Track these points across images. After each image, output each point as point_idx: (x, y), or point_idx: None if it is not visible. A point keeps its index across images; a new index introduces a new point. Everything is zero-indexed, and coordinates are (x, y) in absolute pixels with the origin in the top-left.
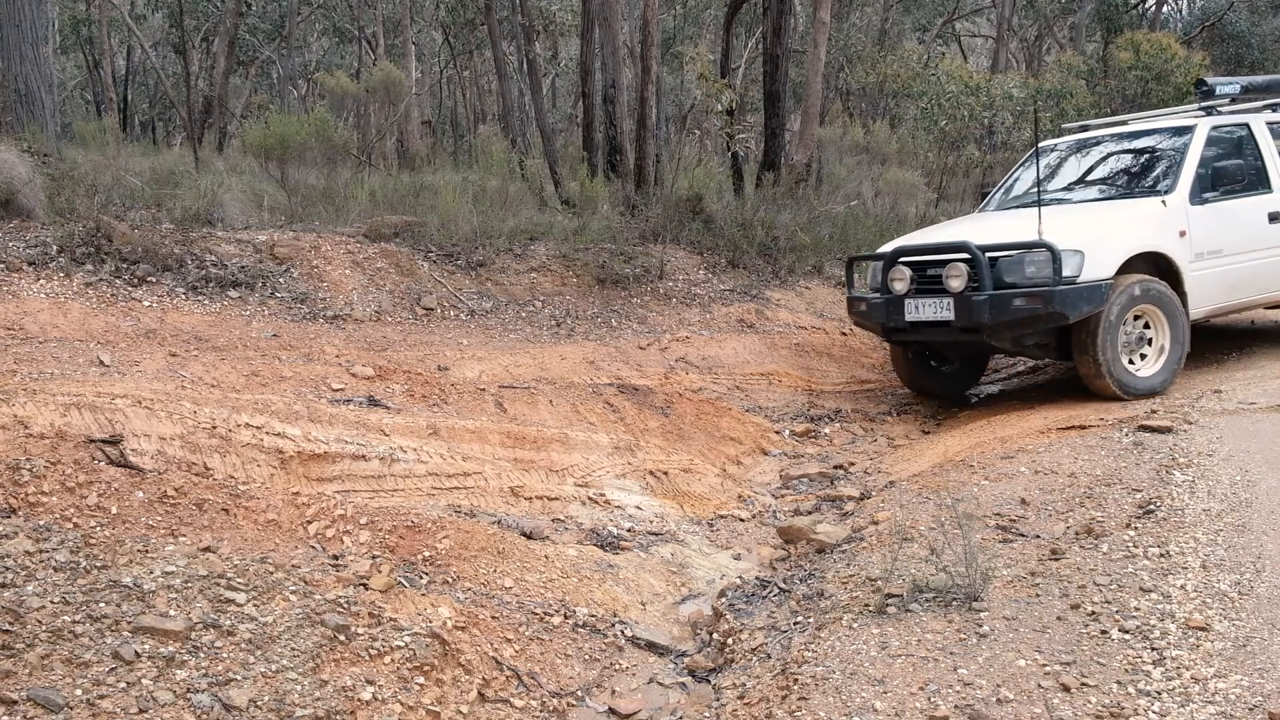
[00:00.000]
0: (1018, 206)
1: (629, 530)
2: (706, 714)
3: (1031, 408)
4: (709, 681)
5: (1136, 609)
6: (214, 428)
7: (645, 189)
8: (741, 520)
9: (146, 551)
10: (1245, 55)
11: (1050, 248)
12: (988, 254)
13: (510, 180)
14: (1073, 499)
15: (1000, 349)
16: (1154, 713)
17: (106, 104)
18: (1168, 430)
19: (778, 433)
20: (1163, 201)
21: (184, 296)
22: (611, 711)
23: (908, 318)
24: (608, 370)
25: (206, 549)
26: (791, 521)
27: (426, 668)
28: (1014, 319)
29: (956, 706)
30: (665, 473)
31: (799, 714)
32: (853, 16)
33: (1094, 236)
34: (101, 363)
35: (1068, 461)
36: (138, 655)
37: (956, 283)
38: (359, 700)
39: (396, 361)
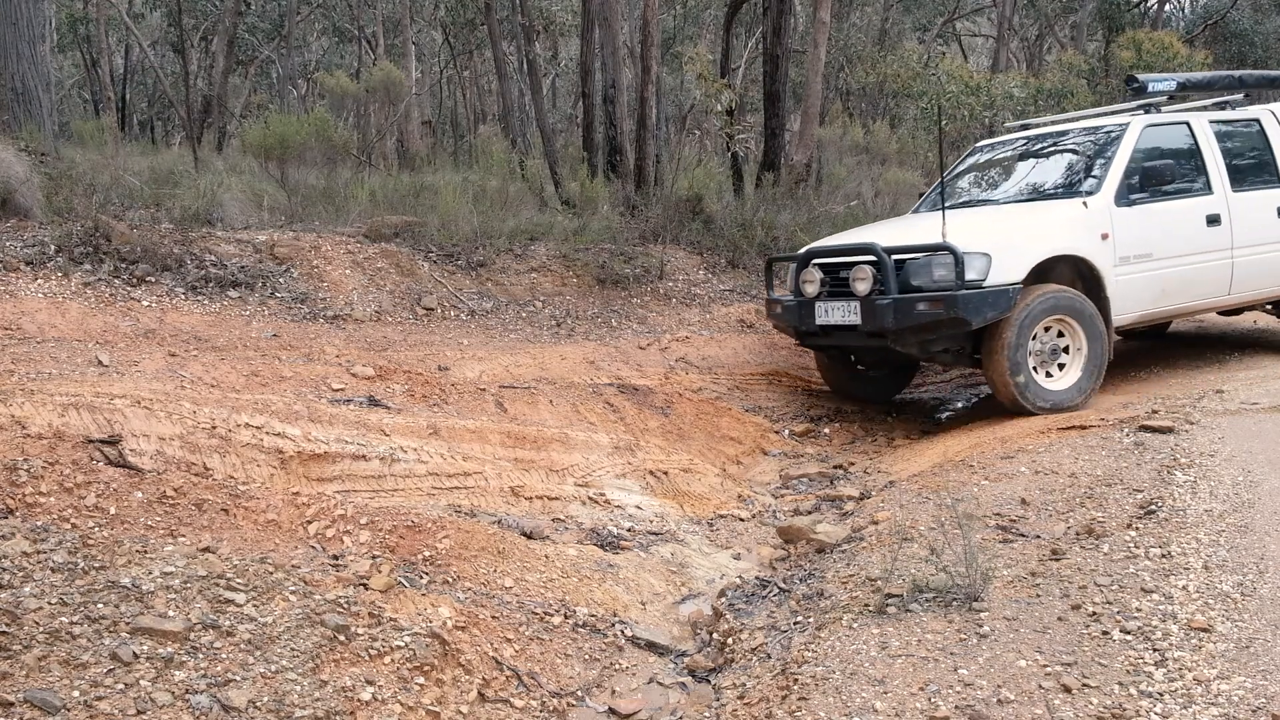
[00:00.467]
0: (950, 207)
1: (629, 530)
2: (706, 714)
3: None
4: (709, 681)
5: (1138, 610)
6: (213, 428)
7: (645, 189)
8: (741, 520)
9: (145, 552)
10: (1248, 54)
11: (952, 250)
12: (893, 256)
13: (510, 180)
14: (1073, 499)
15: (910, 355)
16: (1156, 714)
17: (104, 103)
18: (1169, 430)
19: (778, 433)
20: (1084, 203)
21: (183, 296)
22: (611, 711)
23: (818, 321)
24: (608, 370)
25: (206, 549)
26: (791, 521)
27: (426, 668)
28: (917, 324)
29: (957, 707)
30: (665, 472)
31: (799, 714)
32: (853, 16)
33: (1003, 239)
34: (100, 363)
35: (1068, 461)
36: (136, 656)
37: (862, 285)
38: (359, 700)
39: (397, 361)
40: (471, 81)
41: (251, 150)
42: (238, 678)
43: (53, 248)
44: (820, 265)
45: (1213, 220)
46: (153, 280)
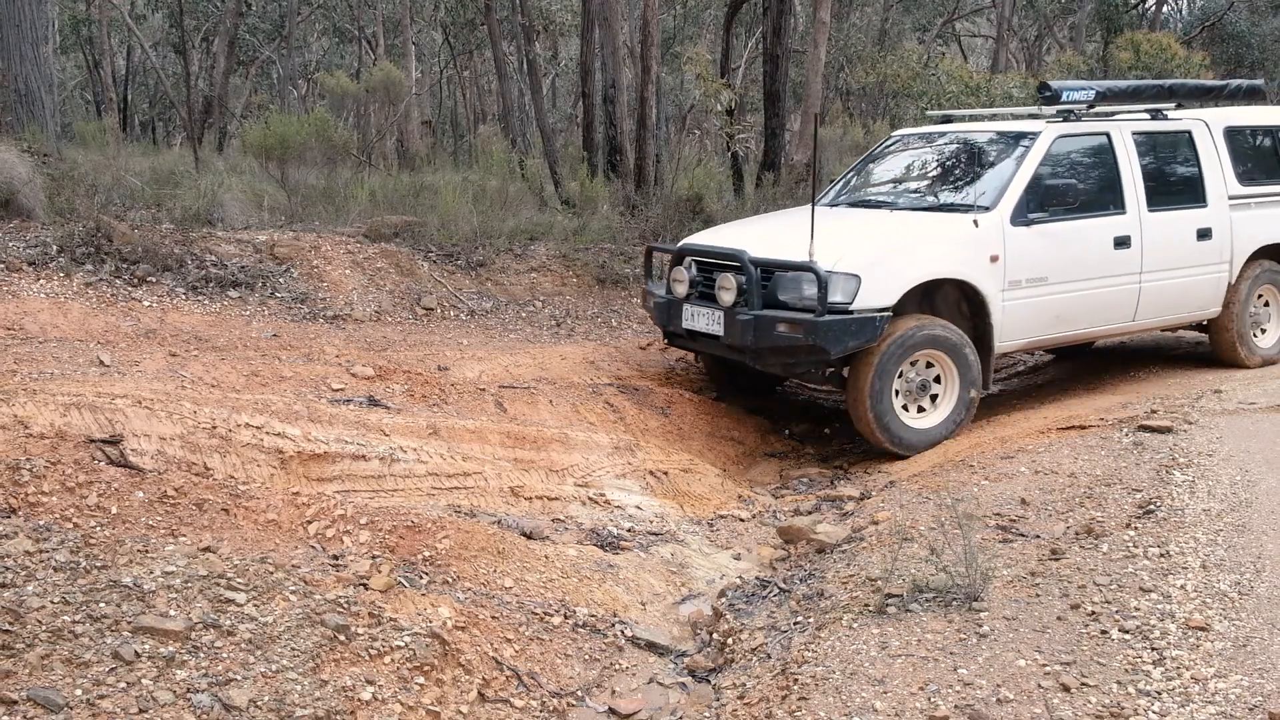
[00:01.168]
0: (839, 205)
1: (629, 530)
2: (706, 714)
3: (1031, 408)
4: (709, 681)
5: (1136, 609)
6: (214, 428)
7: (645, 189)
8: (741, 520)
9: (146, 551)
10: (1245, 55)
11: (815, 270)
12: (760, 268)
13: (510, 180)
14: (1073, 499)
15: (775, 375)
16: (1154, 713)
17: (106, 104)
18: (1168, 430)
19: (778, 433)
20: (975, 221)
21: (184, 296)
22: (611, 711)
23: (685, 325)
24: (608, 370)
25: (206, 549)
26: (791, 521)
27: (426, 668)
28: (776, 346)
29: (956, 706)
30: (665, 473)
31: (799, 714)
32: (853, 16)
33: (877, 258)
34: (101, 363)
35: (1068, 461)
36: (138, 655)
37: (727, 295)
38: (359, 700)
39: (396, 361)
40: (471, 81)
41: (252, 150)
42: (238, 677)
43: (55, 248)
44: (696, 263)
45: (1121, 242)
46: (154, 280)
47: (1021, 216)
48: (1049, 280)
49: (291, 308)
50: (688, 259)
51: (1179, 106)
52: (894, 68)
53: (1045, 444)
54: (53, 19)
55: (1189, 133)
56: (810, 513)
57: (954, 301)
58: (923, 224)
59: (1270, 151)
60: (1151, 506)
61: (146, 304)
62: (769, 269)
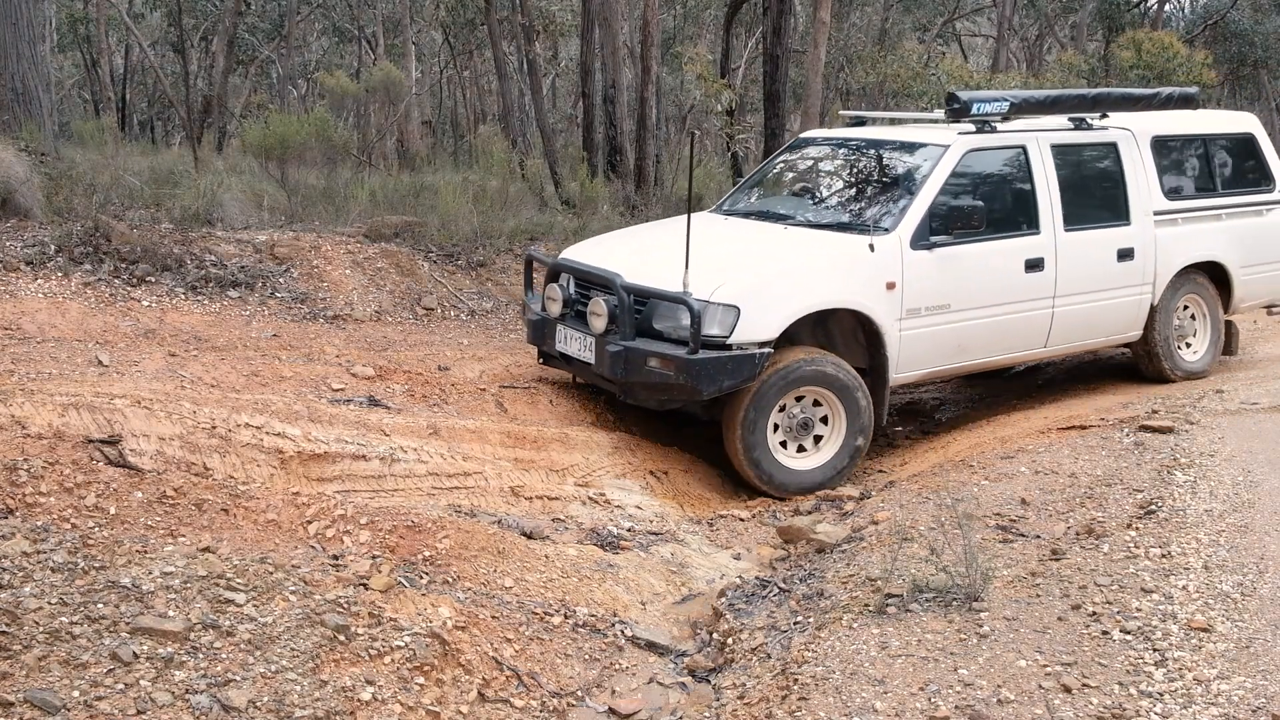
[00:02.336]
0: (736, 214)
1: (629, 530)
2: (706, 714)
3: (1031, 408)
4: (709, 681)
5: (1138, 610)
6: (213, 428)
7: (645, 189)
8: (741, 520)
9: (145, 552)
10: (1248, 54)
11: (689, 304)
12: (632, 295)
13: (510, 180)
14: (1073, 499)
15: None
16: (1156, 714)
17: (104, 103)
18: (1169, 430)
19: None
20: (870, 245)
21: (183, 296)
22: (611, 711)
23: (558, 347)
24: None
25: (206, 549)
26: (791, 521)
27: (426, 668)
28: (648, 381)
29: (957, 707)
30: (665, 472)
31: (799, 714)
32: (853, 16)
33: (760, 285)
34: (100, 363)
35: (1068, 461)
36: (136, 656)
37: (598, 322)
38: (359, 700)
39: (397, 361)
40: (471, 81)
41: (251, 150)
42: (238, 678)
43: (53, 248)
44: (574, 279)
45: (1034, 265)
46: (153, 280)
47: (923, 239)
48: (951, 308)
49: (291, 308)
50: (564, 275)
51: (1103, 117)
52: (894, 68)
53: (1045, 444)
54: (50, 17)
55: (1114, 144)
56: (810, 513)
57: (849, 329)
58: (814, 246)
59: (1201, 162)
60: (1153, 507)
61: (145, 304)
62: (641, 297)
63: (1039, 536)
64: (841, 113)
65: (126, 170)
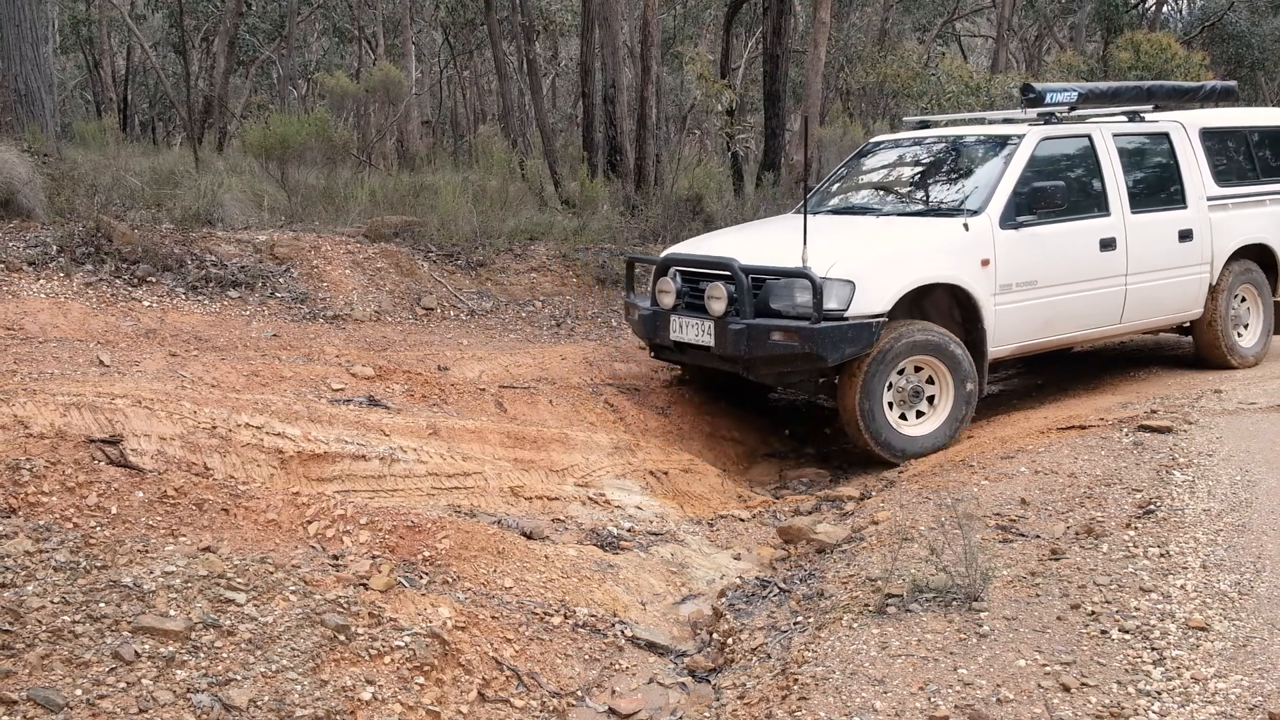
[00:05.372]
0: (824, 212)
1: (629, 530)
2: (706, 714)
3: (1031, 408)
4: (709, 681)
5: (1136, 609)
6: (214, 428)
7: (645, 189)
8: (741, 520)
9: (146, 551)
10: (1245, 55)
11: (810, 276)
12: (751, 275)
13: (510, 180)
14: (1073, 499)
15: (768, 385)
16: (1154, 713)
17: (106, 104)
18: (1168, 430)
19: (777, 432)
20: (965, 225)
21: (184, 296)
22: (611, 711)
23: (673, 336)
24: (608, 370)
25: (206, 549)
26: (791, 521)
27: (426, 668)
28: (771, 355)
29: (956, 706)
30: (665, 473)
31: (799, 714)
32: (853, 16)
33: (870, 263)
34: (101, 363)
35: (1068, 461)
36: (138, 655)
37: (717, 305)
38: (359, 700)
39: (396, 361)
40: (471, 81)
41: (252, 150)
42: (238, 677)
43: (55, 248)
44: (681, 273)
45: (1107, 245)
46: (154, 280)
47: (1010, 220)
48: (1038, 284)
49: (291, 308)
50: (673, 269)
51: (1156, 109)
52: (894, 68)
53: (1045, 444)
54: (52, 19)
55: (1167, 134)
56: (810, 513)
57: (945, 309)
58: (913, 229)
59: (1244, 153)
60: (1151, 506)
61: (146, 304)
62: (760, 277)
63: (1039, 536)
64: (906, 119)
65: (128, 171)
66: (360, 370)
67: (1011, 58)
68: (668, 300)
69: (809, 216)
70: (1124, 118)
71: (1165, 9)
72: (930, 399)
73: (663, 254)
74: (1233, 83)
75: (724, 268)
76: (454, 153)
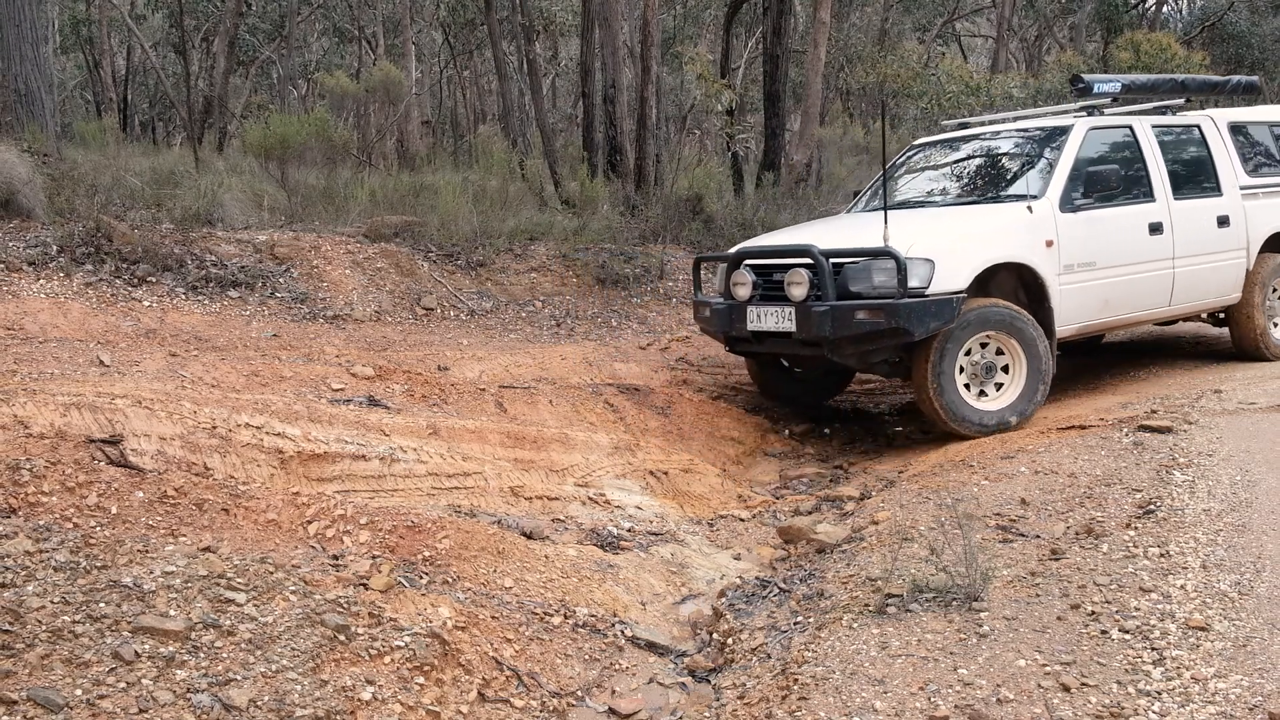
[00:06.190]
0: (881, 208)
1: (629, 530)
2: (706, 714)
3: None
4: (709, 681)
5: (1136, 609)
6: (214, 428)
7: (645, 189)
8: (741, 520)
9: (146, 551)
10: (1245, 55)
11: (895, 255)
12: (831, 260)
13: (510, 180)
14: (1073, 499)
15: (847, 366)
16: (1154, 713)
17: (106, 104)
18: (1168, 430)
19: (777, 433)
20: (1029, 208)
21: (184, 296)
22: (611, 711)
23: (750, 327)
24: (607, 370)
25: (206, 549)
26: (791, 521)
27: (426, 668)
28: (857, 333)
29: (956, 706)
30: (665, 473)
31: (799, 714)
32: (853, 16)
33: (946, 244)
34: (101, 363)
35: (1068, 461)
36: (138, 655)
37: (798, 290)
38: (359, 700)
39: (396, 361)
40: (471, 81)
41: (252, 150)
42: (238, 677)
43: (55, 248)
44: (753, 267)
45: (1155, 229)
46: (154, 280)
47: (1069, 203)
48: (1096, 264)
49: (291, 308)
50: (745, 263)
51: (1188, 102)
52: (894, 68)
53: (1045, 444)
54: (52, 19)
55: (1199, 126)
56: (810, 513)
57: (1010, 288)
58: (980, 214)
59: (1266, 145)
60: (1151, 506)
61: (146, 304)
62: (839, 262)
63: (1039, 536)
64: (944, 122)
65: (128, 171)
66: (360, 370)
67: (1011, 58)
68: (743, 292)
69: (861, 215)
70: (1156, 112)
71: (1165, 9)
72: (1004, 374)
73: (734, 249)
74: (1255, 78)
75: (803, 255)
76: (454, 153)
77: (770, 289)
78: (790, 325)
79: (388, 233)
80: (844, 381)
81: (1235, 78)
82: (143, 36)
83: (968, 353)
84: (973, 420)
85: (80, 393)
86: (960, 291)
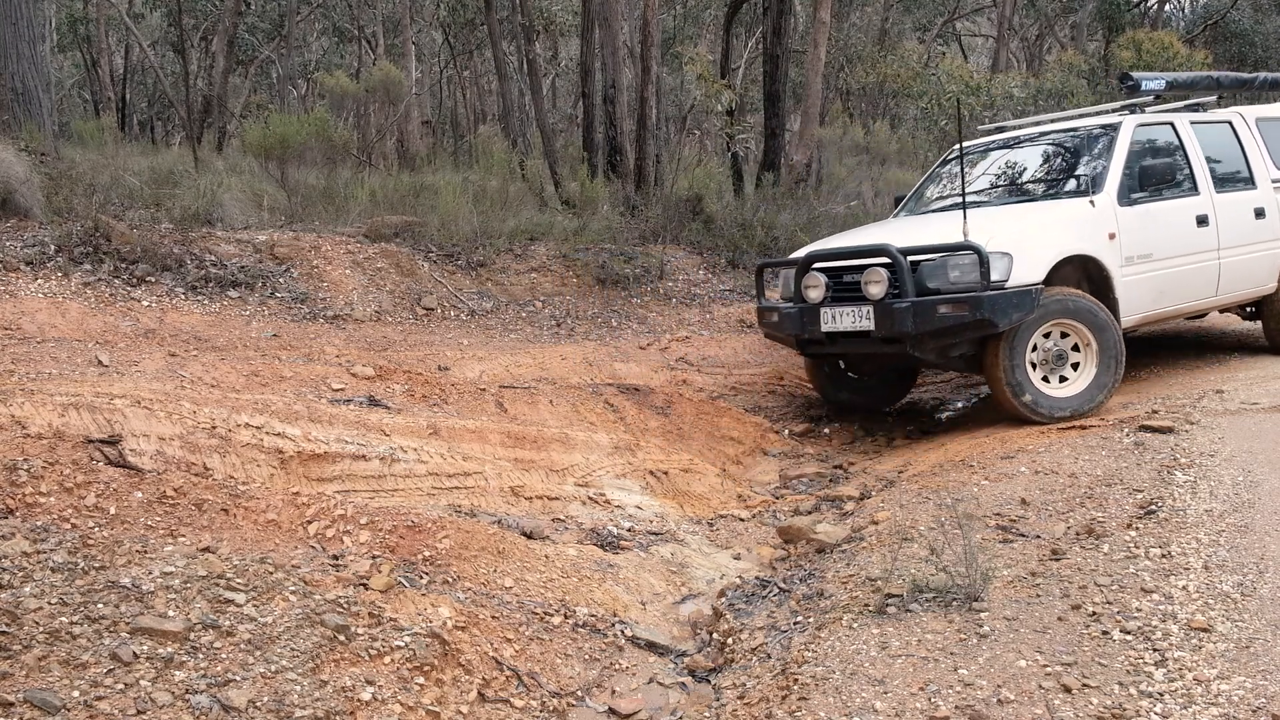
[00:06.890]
0: (933, 211)
1: (629, 530)
2: (706, 714)
3: None
4: (709, 681)
5: (1138, 610)
6: (213, 428)
7: (645, 189)
8: (741, 520)
9: (145, 552)
10: (1248, 54)
11: (977, 249)
12: (909, 257)
13: (510, 180)
14: (1073, 499)
15: (925, 361)
16: (1156, 714)
17: (104, 103)
18: (1169, 430)
19: (777, 433)
20: (1091, 202)
21: (183, 296)
22: (611, 711)
23: (824, 328)
24: (608, 370)
25: (206, 549)
26: (791, 521)
27: (426, 668)
28: (939, 328)
29: (957, 707)
30: (665, 472)
31: (799, 714)
32: (853, 16)
33: (1021, 238)
34: (100, 363)
35: (1068, 461)
36: (136, 656)
37: (876, 289)
38: (359, 700)
39: (397, 361)
40: (471, 81)
41: (251, 150)
42: (238, 678)
43: (53, 248)
44: (823, 269)
45: (1202, 221)
46: (153, 280)
47: (1126, 197)
48: (1153, 256)
49: (291, 308)
50: (814, 266)
51: (1221, 98)
52: (894, 68)
53: (1045, 444)
54: (50, 17)
55: (1230, 123)
56: (810, 513)
57: (1074, 282)
58: (1044, 209)
59: None
60: (1153, 507)
61: (145, 304)
62: (915, 260)
63: (1039, 536)
64: (981, 127)
65: (126, 170)
66: (360, 370)
67: (1012, 57)
68: (816, 294)
69: (911, 218)
70: (1186, 109)
71: (1167, 8)
72: (1074, 364)
73: (802, 253)
74: None
75: (879, 254)
76: (454, 153)
77: (842, 290)
78: (868, 324)
79: (388, 233)
80: (906, 387)
81: (1263, 75)
82: (141, 35)
83: (1039, 343)
84: (1045, 407)
85: (78, 393)
86: (1038, 283)
